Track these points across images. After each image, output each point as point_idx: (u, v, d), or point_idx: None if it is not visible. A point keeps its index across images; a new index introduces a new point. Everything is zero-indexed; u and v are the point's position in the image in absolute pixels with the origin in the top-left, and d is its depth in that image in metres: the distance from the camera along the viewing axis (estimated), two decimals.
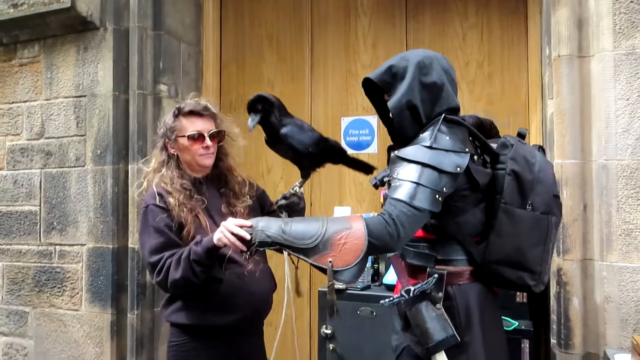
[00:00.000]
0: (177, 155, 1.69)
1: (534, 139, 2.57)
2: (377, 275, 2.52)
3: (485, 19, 2.74)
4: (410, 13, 2.87)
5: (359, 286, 2.39)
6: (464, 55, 2.76)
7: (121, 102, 2.80)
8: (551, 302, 2.11)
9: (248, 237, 1.31)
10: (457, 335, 1.32)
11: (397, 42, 2.86)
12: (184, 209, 1.59)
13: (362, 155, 2.94)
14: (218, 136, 1.71)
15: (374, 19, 2.94)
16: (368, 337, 2.22)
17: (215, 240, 1.43)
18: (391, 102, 1.37)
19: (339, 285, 2.34)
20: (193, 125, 1.66)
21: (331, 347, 2.32)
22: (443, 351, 1.32)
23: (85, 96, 2.84)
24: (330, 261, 1.22)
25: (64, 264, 2.86)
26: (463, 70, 2.76)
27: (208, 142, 1.66)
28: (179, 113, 1.69)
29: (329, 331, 2.32)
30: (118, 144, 2.78)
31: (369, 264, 2.42)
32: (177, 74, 3.01)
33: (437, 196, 1.26)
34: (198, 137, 1.65)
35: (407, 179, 1.25)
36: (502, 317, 2.10)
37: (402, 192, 1.24)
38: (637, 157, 1.88)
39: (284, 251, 1.37)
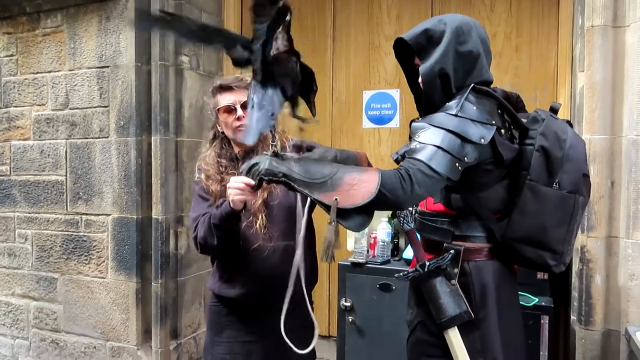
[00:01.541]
0: (223, 132, 1.71)
1: (562, 113, 2.47)
2: (396, 250, 2.53)
3: None
4: None
5: (378, 260, 2.40)
6: (492, 27, 2.68)
7: (143, 74, 2.80)
8: (573, 279, 2.09)
9: (252, 182, 1.27)
10: (471, 311, 1.30)
11: (422, 14, 2.79)
12: (213, 182, 1.64)
13: (384, 129, 2.91)
14: None
15: None
16: (387, 311, 2.25)
17: (230, 204, 1.46)
18: (423, 68, 1.31)
19: (358, 260, 2.36)
20: (225, 99, 1.66)
21: (350, 320, 2.36)
22: (456, 327, 1.31)
23: (108, 67, 2.85)
24: (336, 199, 1.17)
25: (90, 233, 2.94)
26: (490, 42, 2.67)
27: (240, 112, 1.62)
28: (213, 89, 1.71)
29: (348, 304, 2.35)
30: (141, 115, 2.80)
31: (388, 239, 2.43)
32: (198, 45, 3.00)
33: (456, 164, 1.20)
34: (229, 109, 1.65)
35: (429, 143, 1.21)
36: (523, 293, 2.10)
37: (422, 153, 1.20)
38: None
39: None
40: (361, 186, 1.17)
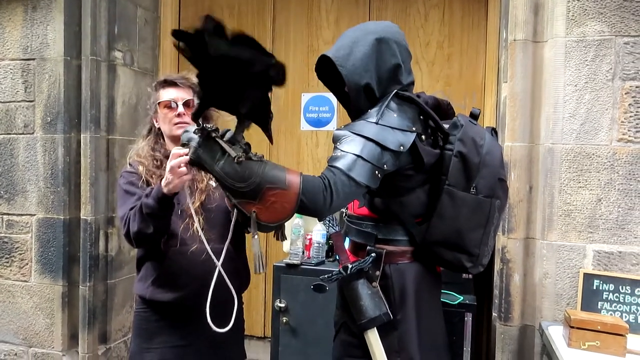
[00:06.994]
0: (159, 128, 1.70)
1: (488, 121, 2.64)
2: (331, 251, 2.57)
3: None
4: None
5: (313, 261, 2.43)
6: (425, 35, 2.78)
7: (73, 68, 2.68)
8: (494, 278, 2.21)
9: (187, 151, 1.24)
10: (390, 313, 1.34)
11: (360, 19, 2.84)
12: (153, 176, 1.61)
13: (322, 132, 2.95)
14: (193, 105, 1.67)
15: None
16: (320, 311, 2.28)
17: (164, 189, 1.42)
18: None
19: (294, 261, 2.38)
20: (168, 94, 1.66)
21: (284, 320, 2.37)
22: (375, 328, 1.34)
23: (34, 59, 2.70)
24: (254, 212, 1.17)
25: (12, 234, 2.77)
26: (423, 50, 2.78)
27: (181, 109, 1.63)
28: (156, 84, 1.71)
29: (282, 305, 2.36)
30: (70, 111, 2.67)
31: (323, 240, 2.46)
32: (133, 41, 2.90)
33: (376, 172, 1.23)
34: (170, 105, 1.65)
35: (349, 151, 1.22)
36: (449, 292, 2.20)
37: (342, 162, 1.21)
38: (581, 141, 1.97)
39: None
40: (280, 203, 1.17)
